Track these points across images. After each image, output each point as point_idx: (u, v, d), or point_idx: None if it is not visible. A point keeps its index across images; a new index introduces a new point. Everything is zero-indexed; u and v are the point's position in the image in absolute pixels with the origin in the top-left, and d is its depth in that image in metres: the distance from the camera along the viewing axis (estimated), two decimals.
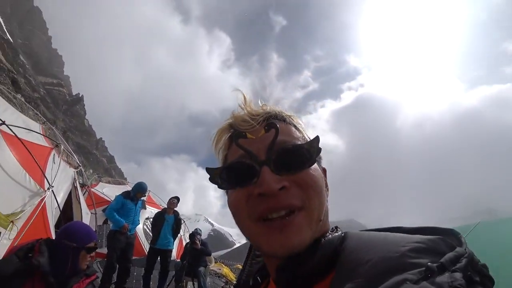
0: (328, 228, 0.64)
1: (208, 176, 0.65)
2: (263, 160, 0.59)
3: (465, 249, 0.47)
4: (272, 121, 0.63)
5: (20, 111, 7.14)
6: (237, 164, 0.62)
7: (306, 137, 0.69)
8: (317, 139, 0.62)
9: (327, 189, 0.68)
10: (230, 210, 0.64)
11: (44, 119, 10.10)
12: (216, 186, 0.65)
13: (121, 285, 5.94)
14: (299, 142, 0.63)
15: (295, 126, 0.69)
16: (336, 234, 0.61)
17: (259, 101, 0.72)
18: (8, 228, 3.52)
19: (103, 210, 8.78)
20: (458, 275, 0.39)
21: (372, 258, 0.46)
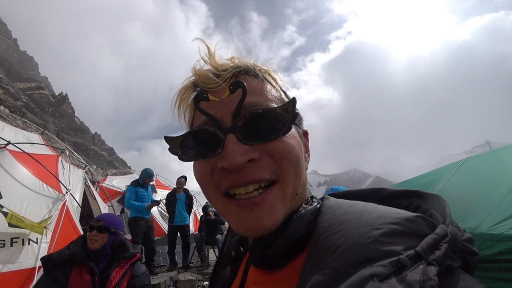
0: (304, 200, 0.57)
1: (168, 146, 0.56)
2: (228, 127, 0.50)
3: (447, 225, 0.42)
4: (239, 80, 0.52)
5: (14, 125, 7.35)
6: (199, 132, 0.53)
7: (284, 96, 0.60)
8: (293, 101, 0.51)
9: (308, 155, 0.61)
10: (196, 180, 0.57)
11: (35, 127, 10.22)
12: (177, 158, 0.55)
13: (150, 263, 6.61)
14: (273, 105, 0.54)
15: (271, 84, 0.58)
16: (310, 207, 0.54)
17: (229, 53, 0.60)
18: (44, 233, 4.03)
19: (118, 201, 9.36)
20: (432, 270, 0.35)
21: (342, 244, 0.41)
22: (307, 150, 0.61)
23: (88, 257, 2.32)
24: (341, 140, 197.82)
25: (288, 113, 0.51)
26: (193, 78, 0.58)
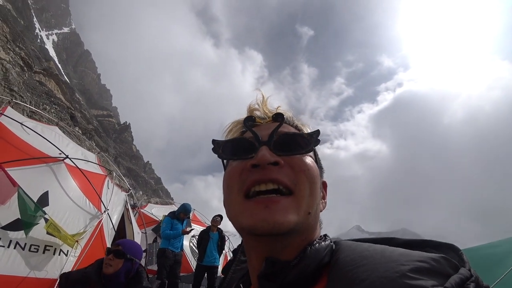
0: (316, 236, 0.60)
1: (212, 146, 0.67)
2: (264, 141, 0.60)
3: (470, 270, 0.43)
4: (280, 112, 0.65)
5: (78, 143, 8.11)
6: (241, 139, 0.64)
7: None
8: (317, 132, 0.64)
9: (325, 202, 0.68)
10: (223, 186, 0.64)
11: (98, 149, 11.17)
12: (217, 156, 0.66)
13: None
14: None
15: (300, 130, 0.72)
16: (324, 243, 0.57)
17: (279, 103, 0.74)
18: (74, 246, 4.07)
19: (153, 229, 9.41)
20: None
21: (368, 277, 0.41)
22: (324, 197, 0.68)
23: (100, 281, 2.21)
24: (389, 197, 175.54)
25: (312, 138, 0.63)
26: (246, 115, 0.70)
